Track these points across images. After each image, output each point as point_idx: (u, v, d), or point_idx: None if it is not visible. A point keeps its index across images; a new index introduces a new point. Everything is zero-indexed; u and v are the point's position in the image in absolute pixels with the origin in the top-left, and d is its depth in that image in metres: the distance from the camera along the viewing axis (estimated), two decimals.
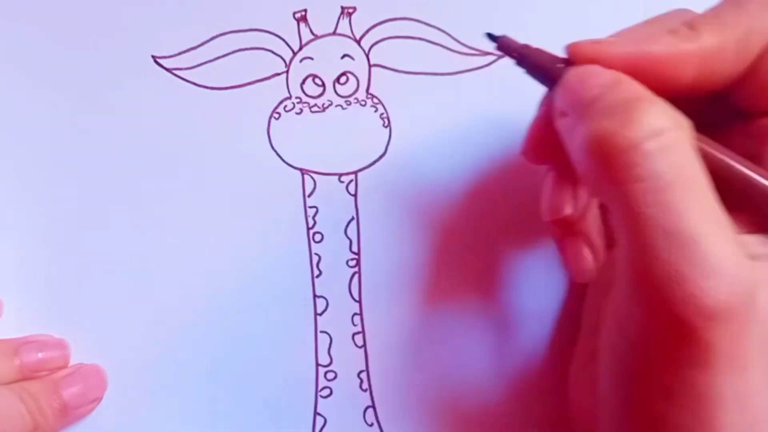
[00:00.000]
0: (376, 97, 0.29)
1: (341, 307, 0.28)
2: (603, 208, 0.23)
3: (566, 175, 0.22)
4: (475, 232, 0.28)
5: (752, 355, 0.17)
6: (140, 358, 0.27)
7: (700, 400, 0.17)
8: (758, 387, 0.17)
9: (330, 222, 0.28)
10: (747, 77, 0.20)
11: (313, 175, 0.29)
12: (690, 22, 0.19)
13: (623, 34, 0.21)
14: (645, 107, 0.17)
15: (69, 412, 0.25)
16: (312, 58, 0.29)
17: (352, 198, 0.29)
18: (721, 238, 0.17)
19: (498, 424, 0.28)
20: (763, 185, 0.19)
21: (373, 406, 0.28)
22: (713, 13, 0.20)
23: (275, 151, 0.28)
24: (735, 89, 0.20)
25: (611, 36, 0.21)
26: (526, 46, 0.22)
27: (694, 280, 0.16)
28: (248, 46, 0.29)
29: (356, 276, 0.28)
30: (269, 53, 0.29)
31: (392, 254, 0.29)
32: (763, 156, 0.20)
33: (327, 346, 0.28)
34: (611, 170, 0.17)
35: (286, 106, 0.29)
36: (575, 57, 0.20)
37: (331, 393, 0.28)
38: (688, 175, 0.17)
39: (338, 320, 0.28)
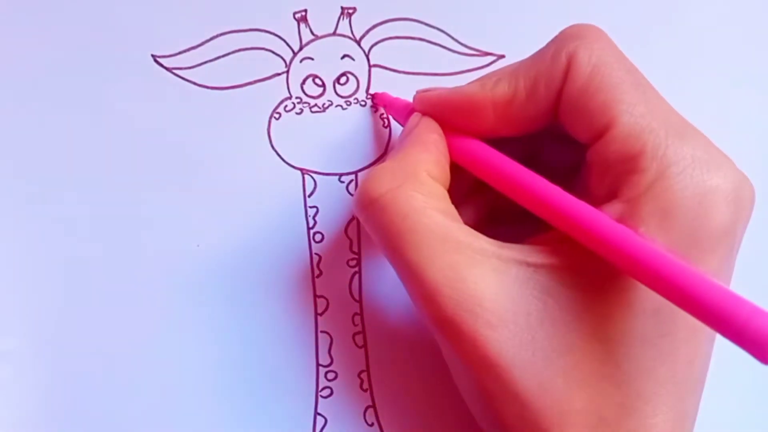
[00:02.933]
0: (373, 96, 0.29)
1: (341, 307, 0.28)
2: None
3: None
4: None
5: (497, 353, 0.20)
6: (140, 358, 0.27)
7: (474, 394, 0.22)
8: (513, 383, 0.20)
9: (330, 222, 0.28)
10: (557, 119, 0.22)
11: (313, 175, 0.29)
12: (496, 74, 0.23)
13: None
14: (372, 174, 0.22)
15: None
16: (312, 59, 0.29)
17: (353, 198, 0.29)
18: (436, 267, 0.20)
19: None
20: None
21: (374, 406, 0.28)
22: (515, 66, 0.23)
23: (275, 151, 0.28)
24: (560, 128, 0.23)
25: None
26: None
27: (420, 301, 0.21)
28: (248, 46, 0.29)
29: (356, 276, 0.28)
30: (269, 53, 0.29)
31: None
32: (588, 180, 0.22)
33: (327, 346, 0.28)
34: (362, 223, 0.23)
35: (286, 106, 0.29)
36: (414, 101, 0.26)
37: (331, 393, 0.28)
38: (401, 226, 0.21)
39: (338, 320, 0.28)
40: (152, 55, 0.28)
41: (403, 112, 0.26)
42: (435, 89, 0.25)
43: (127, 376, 0.27)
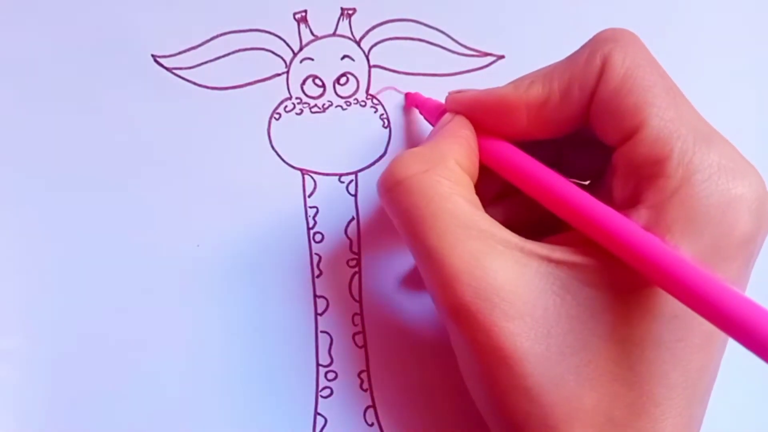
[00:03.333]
0: (376, 98, 0.29)
1: (341, 307, 0.28)
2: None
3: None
4: None
5: (511, 345, 0.19)
6: (139, 358, 0.27)
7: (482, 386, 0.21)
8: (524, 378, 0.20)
9: (330, 222, 0.28)
10: (587, 122, 0.22)
11: (313, 175, 0.29)
12: (530, 76, 0.23)
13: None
14: (401, 157, 0.22)
15: None
16: (312, 59, 0.29)
17: (353, 198, 0.29)
18: (457, 253, 0.20)
19: None
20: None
21: (374, 406, 0.28)
22: (549, 69, 0.23)
23: (275, 151, 0.28)
24: (587, 132, 0.23)
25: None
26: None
27: (437, 287, 0.20)
28: (248, 46, 0.29)
29: (356, 276, 0.29)
30: (269, 53, 0.29)
31: (392, 254, 0.29)
32: (612, 184, 0.22)
33: (327, 346, 0.28)
34: (385, 206, 0.22)
35: (286, 107, 0.29)
36: (446, 101, 0.25)
37: (331, 393, 0.28)
38: (424, 210, 0.21)
39: (338, 320, 0.28)
40: (152, 55, 0.28)
41: (435, 112, 0.26)
42: (468, 91, 0.25)
43: (127, 375, 0.27)
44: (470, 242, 0.20)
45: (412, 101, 0.29)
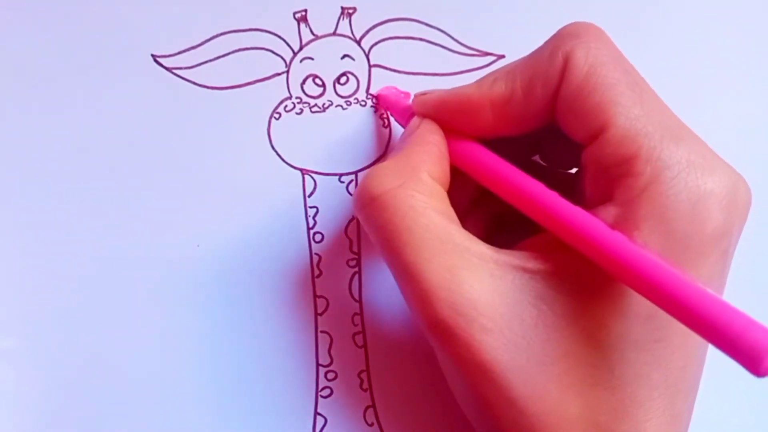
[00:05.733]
0: (377, 98, 0.29)
1: (341, 307, 0.28)
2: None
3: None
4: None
5: (492, 359, 0.19)
6: (140, 358, 0.27)
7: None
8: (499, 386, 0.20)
9: (330, 222, 0.28)
10: (553, 117, 0.22)
11: (313, 175, 0.29)
12: (494, 74, 0.23)
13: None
14: (374, 172, 0.22)
15: None
16: (312, 59, 0.29)
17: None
18: (433, 268, 0.20)
19: None
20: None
21: (374, 406, 0.28)
22: (512, 66, 0.22)
23: (275, 151, 0.28)
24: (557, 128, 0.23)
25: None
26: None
27: (415, 302, 0.20)
28: (248, 46, 0.29)
29: (356, 276, 0.28)
30: (269, 53, 0.29)
31: None
32: (583, 182, 0.22)
33: (327, 346, 0.28)
34: (361, 222, 0.22)
35: (286, 106, 0.29)
36: (413, 104, 0.25)
37: (331, 393, 0.28)
38: (400, 225, 0.21)
39: (338, 320, 0.28)
40: (152, 55, 0.28)
41: (405, 114, 0.26)
42: (433, 92, 0.25)
43: (127, 375, 0.27)
44: (445, 256, 0.20)
45: (382, 103, 0.29)
